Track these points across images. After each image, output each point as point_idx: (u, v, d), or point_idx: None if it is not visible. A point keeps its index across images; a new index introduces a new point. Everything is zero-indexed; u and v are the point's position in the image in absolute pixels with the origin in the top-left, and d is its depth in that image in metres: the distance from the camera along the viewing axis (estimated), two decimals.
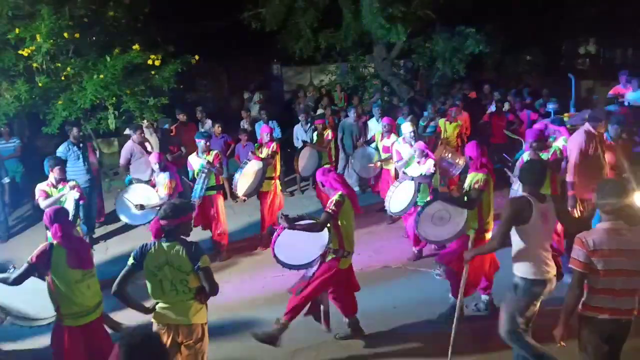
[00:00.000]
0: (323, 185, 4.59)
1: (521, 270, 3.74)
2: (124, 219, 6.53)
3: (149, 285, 3.52)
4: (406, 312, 5.14)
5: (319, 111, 11.19)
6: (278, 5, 12.05)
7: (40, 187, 5.87)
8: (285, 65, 15.06)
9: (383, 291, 5.61)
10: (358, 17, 11.73)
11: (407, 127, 7.02)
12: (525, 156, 5.75)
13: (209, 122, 9.90)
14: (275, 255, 4.40)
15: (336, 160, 9.42)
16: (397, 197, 6.28)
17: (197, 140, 6.92)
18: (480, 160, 4.99)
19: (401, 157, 6.88)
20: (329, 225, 4.36)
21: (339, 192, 4.44)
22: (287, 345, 4.58)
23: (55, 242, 3.72)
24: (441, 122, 9.10)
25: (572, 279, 3.27)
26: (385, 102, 12.00)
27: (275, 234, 4.43)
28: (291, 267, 4.48)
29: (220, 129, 9.34)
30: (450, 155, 7.31)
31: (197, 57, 9.32)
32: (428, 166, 6.36)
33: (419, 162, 6.46)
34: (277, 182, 7.37)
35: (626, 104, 8.86)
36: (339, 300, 4.70)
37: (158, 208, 5.96)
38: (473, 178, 4.90)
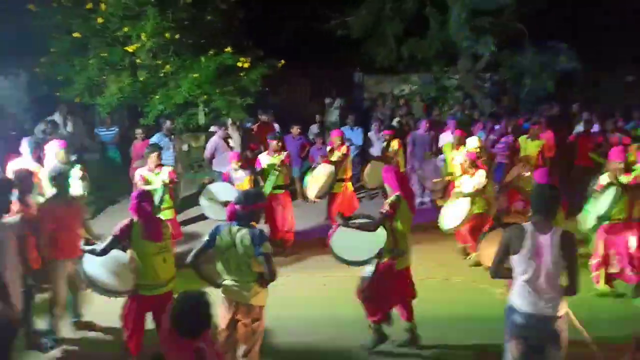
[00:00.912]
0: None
1: (511, 297, 3.55)
2: (212, 216, 6.65)
3: (218, 262, 3.86)
4: (458, 327, 5.11)
5: (396, 119, 11.24)
6: (366, 13, 12.27)
7: (140, 172, 6.45)
8: (366, 74, 15.25)
9: (440, 303, 5.59)
10: (444, 27, 11.67)
11: (473, 142, 7.01)
12: (603, 178, 5.55)
13: (276, 126, 10.23)
14: (331, 248, 4.51)
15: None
16: (452, 213, 6.26)
17: (269, 140, 7.29)
18: None
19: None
20: (385, 225, 4.43)
21: (396, 194, 4.49)
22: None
23: (135, 218, 4.20)
24: (522, 139, 8.83)
25: None
26: (465, 116, 11.80)
27: (332, 229, 4.60)
28: (347, 262, 4.52)
29: (298, 130, 9.70)
30: (529, 174, 7.15)
31: (282, 61, 9.77)
32: (479, 177, 6.31)
33: (470, 174, 6.44)
34: (349, 184, 7.56)
35: None
36: (399, 304, 4.75)
37: None
38: None
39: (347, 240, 4.47)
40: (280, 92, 13.05)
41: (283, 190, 7.18)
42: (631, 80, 14.53)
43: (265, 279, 3.78)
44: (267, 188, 6.96)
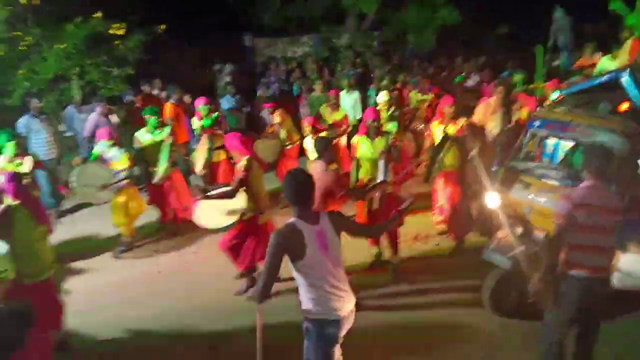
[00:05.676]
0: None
1: (308, 311, 2.95)
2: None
3: None
4: None
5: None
6: None
7: None
8: (257, 37, 14.79)
9: None
10: None
11: (382, 97, 7.27)
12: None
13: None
14: (197, 222, 4.77)
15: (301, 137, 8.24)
16: None
17: (146, 116, 6.36)
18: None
19: None
20: (243, 189, 4.67)
21: (246, 157, 4.69)
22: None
23: (15, 203, 3.83)
24: (412, 94, 9.13)
25: (554, 234, 3.26)
26: (357, 74, 11.91)
27: (194, 204, 4.83)
28: (214, 229, 4.85)
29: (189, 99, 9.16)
30: (422, 126, 7.69)
31: (163, 26, 9.11)
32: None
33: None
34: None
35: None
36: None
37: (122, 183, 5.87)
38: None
39: (210, 210, 4.71)
40: (165, 61, 12.21)
41: (173, 168, 6.45)
42: (505, 32, 15.57)
43: None
44: (162, 168, 6.22)
